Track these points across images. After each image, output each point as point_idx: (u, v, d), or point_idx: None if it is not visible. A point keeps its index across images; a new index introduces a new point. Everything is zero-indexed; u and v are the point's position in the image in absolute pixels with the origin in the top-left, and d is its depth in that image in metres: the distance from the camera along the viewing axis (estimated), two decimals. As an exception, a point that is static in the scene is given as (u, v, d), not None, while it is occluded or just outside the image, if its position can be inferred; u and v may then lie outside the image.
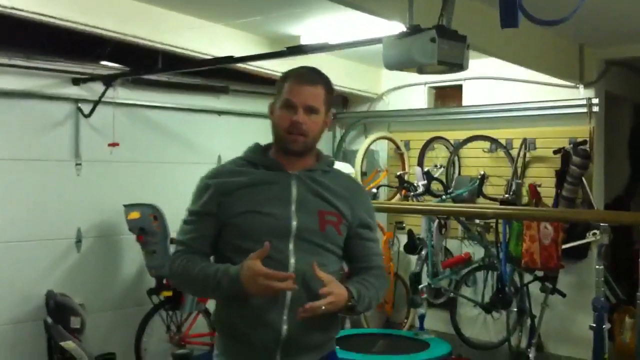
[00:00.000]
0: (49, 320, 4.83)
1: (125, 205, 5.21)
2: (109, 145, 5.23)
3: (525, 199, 5.57)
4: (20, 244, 4.95)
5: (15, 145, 4.93)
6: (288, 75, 2.28)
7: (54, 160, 5.12)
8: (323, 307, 2.05)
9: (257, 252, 2.06)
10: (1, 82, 4.82)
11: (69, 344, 4.72)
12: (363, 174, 6.41)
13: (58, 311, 4.85)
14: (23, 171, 4.96)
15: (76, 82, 5.20)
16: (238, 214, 2.18)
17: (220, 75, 5.74)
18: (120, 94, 5.35)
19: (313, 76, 2.27)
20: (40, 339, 4.92)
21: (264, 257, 2.06)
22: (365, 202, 2.39)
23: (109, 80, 5.13)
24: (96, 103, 5.17)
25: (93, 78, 5.21)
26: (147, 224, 5.08)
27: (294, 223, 2.18)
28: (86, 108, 5.21)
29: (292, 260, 2.15)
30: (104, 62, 5.34)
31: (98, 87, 5.20)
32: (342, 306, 2.12)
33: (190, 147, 5.57)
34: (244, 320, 2.16)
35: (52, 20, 4.34)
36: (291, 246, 2.16)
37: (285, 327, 2.13)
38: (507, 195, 5.49)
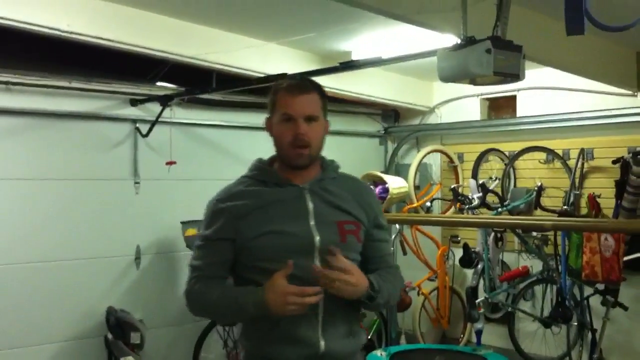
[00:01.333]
0: (110, 336, 4.93)
1: (182, 222, 5.30)
2: (167, 163, 5.33)
3: (584, 210, 5.46)
4: (82, 262, 5.08)
5: (76, 165, 5.07)
6: (278, 88, 2.23)
7: (113, 180, 5.26)
8: (342, 278, 2.05)
9: (281, 271, 2.04)
10: (62, 105, 4.98)
11: (129, 359, 4.81)
12: (416, 187, 6.38)
13: (118, 327, 4.93)
14: (84, 190, 5.09)
15: (134, 103, 5.33)
16: (257, 237, 2.14)
17: (272, 92, 5.80)
18: (177, 113, 5.46)
19: (305, 84, 2.22)
20: (101, 355, 5.03)
21: (288, 275, 2.04)
22: (375, 202, 2.37)
23: (165, 101, 5.23)
24: (153, 123, 5.28)
25: (150, 99, 5.33)
26: (204, 240, 5.13)
27: (317, 238, 2.15)
28: (144, 128, 5.33)
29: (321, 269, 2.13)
30: (160, 83, 5.47)
31: (155, 107, 5.31)
32: (362, 293, 2.11)
33: (244, 164, 5.57)
34: (277, 338, 2.14)
35: (109, 43, 4.47)
36: (318, 263, 2.13)
37: (322, 342, 2.14)
38: (565, 207, 5.38)
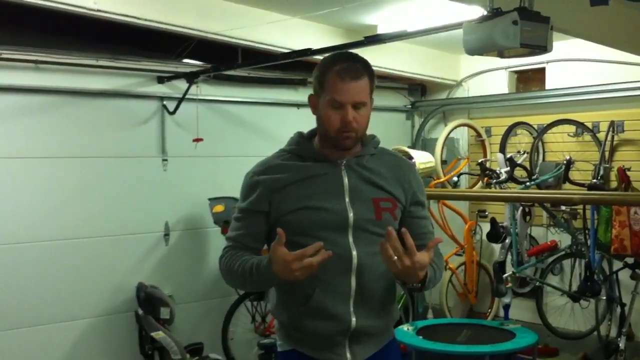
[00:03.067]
0: (140, 311, 5.01)
1: (210, 199, 5.35)
2: (194, 140, 5.36)
3: (613, 184, 5.39)
4: (111, 238, 5.14)
5: (104, 143, 5.12)
6: (327, 68, 2.16)
7: (141, 157, 5.30)
8: (395, 258, 1.97)
9: (278, 241, 2.00)
10: (89, 83, 5.01)
11: (159, 334, 4.89)
12: (443, 162, 6.34)
13: (148, 302, 5.01)
14: (112, 168, 5.15)
15: (161, 80, 5.35)
16: (292, 211, 2.16)
17: (298, 68, 5.79)
18: (203, 90, 5.47)
19: (356, 69, 2.15)
20: (132, 330, 5.12)
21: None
22: (415, 179, 2.32)
23: (191, 78, 5.24)
24: (180, 100, 5.31)
25: (177, 76, 5.35)
26: (231, 216, 5.17)
27: (351, 215, 2.15)
28: (171, 105, 5.36)
29: (354, 253, 2.14)
30: (186, 60, 5.48)
31: (181, 84, 5.33)
32: (412, 279, 2.05)
33: (271, 140, 5.61)
34: (309, 314, 2.16)
35: (135, 20, 4.48)
36: (351, 239, 2.15)
37: (354, 318, 2.15)
38: (594, 180, 5.31)
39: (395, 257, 1.97)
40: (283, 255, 1.99)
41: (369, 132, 2.30)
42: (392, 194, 2.23)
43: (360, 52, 2.30)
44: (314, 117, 2.25)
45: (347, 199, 2.18)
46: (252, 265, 2.12)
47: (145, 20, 4.49)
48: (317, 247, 1.99)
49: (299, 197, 2.16)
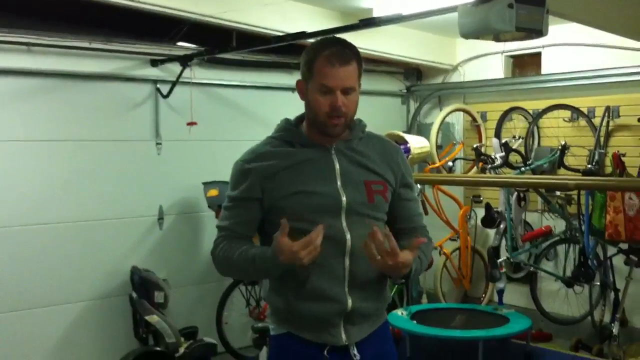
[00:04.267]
0: (134, 295, 5.00)
1: (204, 183, 5.33)
2: (188, 124, 5.34)
3: (608, 169, 5.39)
4: (105, 222, 5.13)
5: (97, 126, 5.09)
6: (316, 53, 2.16)
7: (135, 140, 5.27)
8: (378, 257, 2.05)
9: (279, 233, 2.04)
10: (82, 65, 4.97)
11: (153, 318, 4.89)
12: (438, 147, 6.33)
13: (142, 286, 5.01)
14: (105, 152, 5.12)
15: (154, 63, 5.32)
16: (285, 197, 2.16)
17: (293, 51, 5.74)
18: (197, 73, 5.44)
19: (346, 54, 2.15)
20: (126, 313, 5.12)
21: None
22: (403, 161, 2.35)
23: (185, 61, 5.21)
24: (174, 83, 5.28)
25: (170, 59, 5.31)
26: (225, 201, 5.17)
27: (344, 199, 2.17)
28: (164, 88, 5.33)
29: (348, 237, 2.16)
30: (180, 43, 5.45)
31: (175, 67, 5.30)
32: (396, 276, 2.17)
33: (265, 124, 5.54)
34: (305, 297, 2.18)
35: (129, 2, 4.43)
36: (344, 222, 2.17)
37: (350, 300, 2.17)
38: (589, 166, 5.31)
39: (379, 257, 2.05)
40: (289, 246, 2.02)
41: (365, 116, 2.32)
42: (383, 176, 2.26)
43: (355, 35, 2.30)
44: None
45: (339, 183, 2.19)
46: (255, 256, 2.13)
47: (139, 2, 4.45)
48: (319, 231, 2.02)
49: (292, 183, 2.17)
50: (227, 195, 2.29)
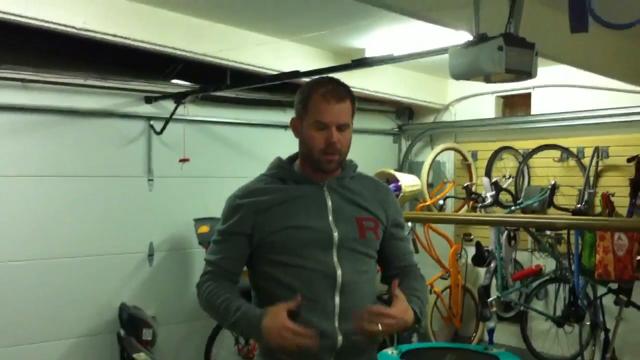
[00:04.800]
0: (122, 332, 4.96)
1: (195, 220, 5.32)
2: (180, 160, 5.36)
3: (598, 209, 5.42)
4: (95, 258, 5.11)
5: (90, 162, 5.10)
6: (311, 91, 2.20)
7: (127, 177, 5.28)
8: (380, 327, 2.05)
9: (285, 304, 2.04)
10: (77, 102, 5.01)
11: (141, 356, 4.84)
12: (429, 185, 6.36)
13: (131, 323, 4.97)
14: (98, 187, 5.13)
15: (148, 100, 5.36)
16: (276, 231, 2.17)
17: (286, 90, 5.80)
18: (190, 111, 5.48)
19: (340, 92, 2.20)
20: (113, 351, 5.08)
21: (307, 269, 2.10)
22: (394, 201, 2.38)
23: (179, 98, 5.25)
24: (167, 120, 5.31)
25: (164, 96, 5.35)
26: (216, 237, 5.16)
27: (335, 234, 2.18)
28: (158, 125, 5.36)
29: (339, 272, 2.16)
30: (174, 81, 5.49)
31: (169, 104, 5.33)
32: (405, 327, 2.13)
33: (258, 161, 5.56)
34: None
35: (124, 40, 4.48)
36: (335, 257, 2.17)
37: (340, 337, 2.15)
38: (579, 206, 5.35)
39: (378, 326, 2.04)
40: (283, 319, 2.01)
41: (357, 153, 2.36)
42: (374, 213, 2.28)
43: (348, 75, 2.35)
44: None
45: (330, 218, 2.21)
46: (239, 308, 2.12)
47: (134, 40, 4.50)
48: (308, 334, 2.02)
49: (283, 218, 2.18)
50: (216, 229, 2.29)
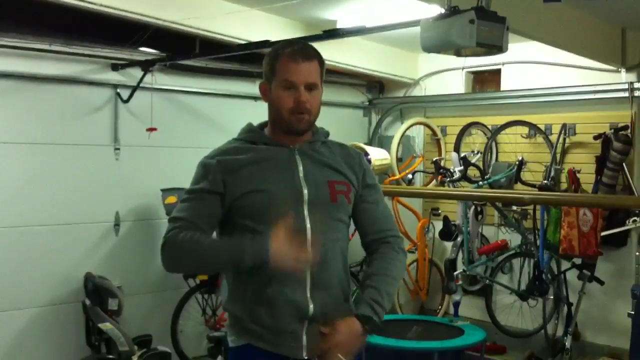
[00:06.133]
0: (87, 302, 4.92)
1: (162, 190, 5.27)
2: (147, 130, 5.28)
3: (564, 185, 5.50)
4: (59, 227, 5.04)
5: (55, 130, 5.01)
6: (279, 53, 2.18)
7: (93, 145, 5.19)
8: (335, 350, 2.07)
9: (282, 224, 2.04)
10: (41, 68, 4.89)
11: (106, 326, 4.81)
12: (399, 159, 6.38)
13: (96, 293, 4.92)
14: (63, 156, 5.04)
15: (115, 67, 5.26)
16: (246, 194, 2.13)
17: (256, 60, 5.73)
18: (158, 79, 5.39)
19: (308, 51, 2.19)
20: (79, 321, 5.03)
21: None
22: (365, 164, 2.35)
23: (147, 66, 5.17)
24: (134, 88, 5.22)
25: (131, 64, 5.26)
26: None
27: (305, 191, 2.17)
28: (125, 93, 5.27)
29: (308, 225, 2.14)
30: (142, 48, 5.39)
31: (136, 72, 5.24)
32: (363, 336, 2.13)
33: (226, 132, 5.53)
34: (266, 302, 2.13)
35: (90, 5, 4.37)
36: (306, 214, 2.15)
37: (311, 305, 2.15)
38: (545, 182, 5.40)
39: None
40: (287, 241, 2.03)
41: (327, 126, 2.34)
42: (347, 176, 2.26)
43: (319, 46, 2.30)
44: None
45: (301, 178, 2.18)
46: (239, 240, 2.09)
47: (101, 5, 4.40)
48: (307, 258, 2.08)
49: (253, 180, 2.15)
50: (187, 190, 2.22)
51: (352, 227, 2.35)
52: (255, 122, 2.35)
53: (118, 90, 5.27)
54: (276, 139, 2.24)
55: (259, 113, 2.36)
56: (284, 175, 2.18)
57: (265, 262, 2.03)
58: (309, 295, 2.15)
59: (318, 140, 2.29)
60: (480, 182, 5.67)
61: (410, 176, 6.21)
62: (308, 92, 2.16)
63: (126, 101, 5.27)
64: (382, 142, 6.84)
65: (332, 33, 4.17)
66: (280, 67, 2.16)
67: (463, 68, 6.34)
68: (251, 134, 2.27)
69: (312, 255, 2.08)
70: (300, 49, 2.18)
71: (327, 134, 2.35)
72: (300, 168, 2.20)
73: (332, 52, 5.53)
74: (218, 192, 2.15)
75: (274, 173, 2.17)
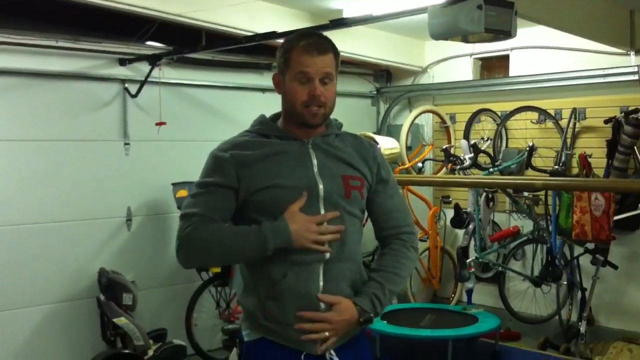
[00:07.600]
0: (102, 297, 4.94)
1: (173, 184, 5.28)
2: (156, 124, 5.29)
3: (575, 170, 5.46)
4: (72, 223, 5.06)
5: (64, 126, 5.02)
6: (293, 44, 2.15)
7: (102, 140, 5.21)
8: (327, 334, 2.10)
9: (296, 203, 2.07)
10: (49, 64, 4.91)
11: (121, 320, 4.84)
12: (408, 148, 6.36)
13: (110, 288, 4.95)
14: (73, 152, 5.06)
15: (122, 62, 5.26)
16: (259, 190, 2.10)
17: (263, 52, 5.73)
18: (166, 73, 5.39)
19: (322, 43, 2.16)
20: (93, 316, 5.06)
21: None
22: (380, 157, 2.32)
23: (154, 60, 5.17)
24: (142, 83, 5.23)
25: (139, 58, 5.26)
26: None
27: (321, 187, 2.14)
28: (133, 88, 5.27)
29: (325, 223, 2.12)
30: (149, 42, 5.39)
31: (144, 67, 5.25)
32: (354, 326, 2.15)
33: (235, 125, 5.51)
34: (280, 297, 2.11)
35: (96, 0, 4.38)
36: (322, 211, 2.13)
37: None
38: (556, 167, 5.37)
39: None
40: (304, 217, 2.07)
41: (335, 116, 2.29)
42: (361, 171, 2.23)
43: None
44: (280, 102, 2.23)
45: (316, 173, 2.15)
46: (261, 228, 2.07)
47: (107, 0, 4.40)
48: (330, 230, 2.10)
49: (267, 175, 2.12)
50: (197, 183, 2.17)
51: (366, 213, 2.34)
52: (266, 114, 2.32)
53: (126, 85, 5.28)
54: (289, 132, 2.20)
55: (267, 104, 2.35)
56: (299, 169, 2.14)
57: (289, 242, 2.05)
58: (321, 290, 2.12)
59: (332, 133, 2.25)
60: (491, 169, 5.64)
61: (420, 164, 6.20)
62: (322, 85, 2.13)
63: (134, 96, 5.28)
64: (391, 131, 6.82)
65: (339, 22, 4.15)
66: (295, 59, 2.13)
67: (471, 54, 6.30)
68: (264, 127, 2.23)
69: (332, 230, 2.09)
70: (315, 42, 2.15)
71: (340, 125, 2.31)
72: (315, 162, 2.17)
73: (338, 42, 5.41)
74: (232, 187, 2.12)
75: (288, 167, 2.14)
